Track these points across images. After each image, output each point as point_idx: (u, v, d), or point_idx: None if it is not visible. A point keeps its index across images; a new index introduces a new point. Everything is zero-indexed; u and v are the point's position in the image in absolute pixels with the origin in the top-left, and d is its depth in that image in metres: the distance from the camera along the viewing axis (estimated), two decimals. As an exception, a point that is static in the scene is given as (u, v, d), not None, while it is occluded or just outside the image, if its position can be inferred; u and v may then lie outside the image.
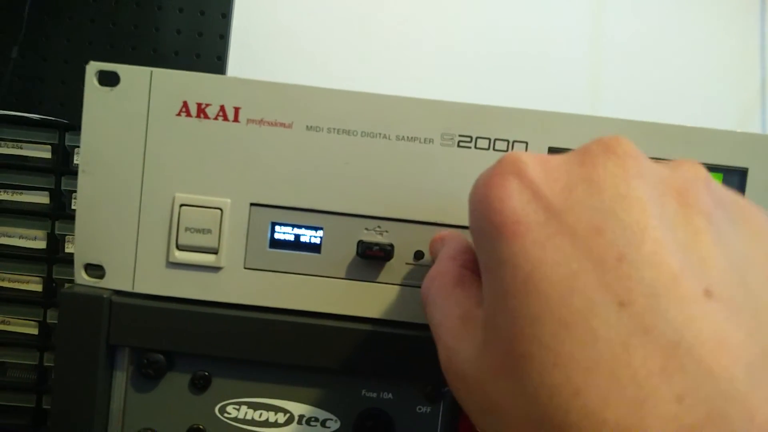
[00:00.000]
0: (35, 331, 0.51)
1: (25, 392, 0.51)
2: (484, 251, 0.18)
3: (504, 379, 0.16)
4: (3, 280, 0.52)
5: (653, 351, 0.13)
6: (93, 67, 0.28)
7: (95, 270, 0.29)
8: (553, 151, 0.28)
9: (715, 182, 0.17)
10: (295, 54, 0.71)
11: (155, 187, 0.28)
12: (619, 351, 0.13)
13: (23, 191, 0.52)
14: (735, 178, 0.29)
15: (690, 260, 0.15)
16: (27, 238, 0.52)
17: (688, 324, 0.13)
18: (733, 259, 0.15)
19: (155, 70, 0.28)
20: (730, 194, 0.18)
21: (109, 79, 0.28)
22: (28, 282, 0.52)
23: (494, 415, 0.16)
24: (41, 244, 0.52)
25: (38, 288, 0.52)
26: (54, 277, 0.51)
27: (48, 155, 0.52)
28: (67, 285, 0.29)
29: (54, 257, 0.51)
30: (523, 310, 0.15)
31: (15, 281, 0.52)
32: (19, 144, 0.52)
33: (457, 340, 0.18)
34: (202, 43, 0.68)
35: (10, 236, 0.52)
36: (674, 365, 0.13)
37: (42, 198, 0.52)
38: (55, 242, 0.51)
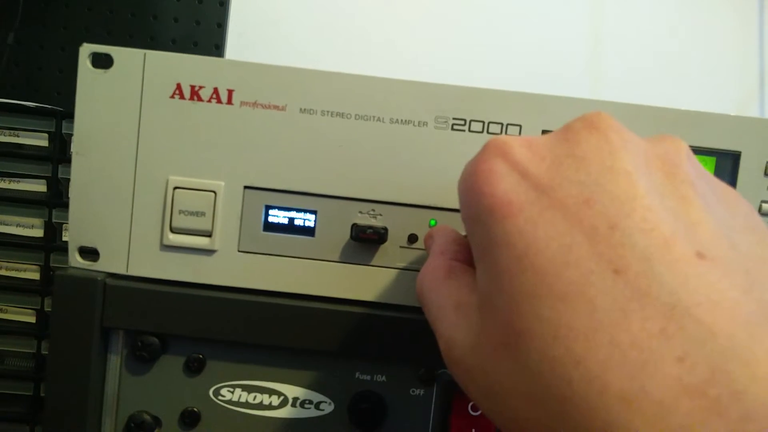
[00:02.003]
0: (33, 320, 0.52)
1: (22, 380, 0.51)
2: (477, 236, 0.18)
3: (505, 359, 0.16)
4: (0, 268, 0.52)
5: (651, 314, 0.13)
6: (86, 49, 0.28)
7: (89, 253, 0.29)
8: (546, 132, 0.28)
9: (693, 156, 0.18)
10: (293, 42, 0.70)
11: (149, 169, 0.28)
12: (617, 317, 0.14)
13: (20, 179, 0.52)
14: (728, 161, 0.29)
15: (680, 225, 0.15)
16: (24, 226, 0.52)
17: (683, 286, 0.13)
18: (720, 224, 0.15)
19: (149, 52, 0.28)
20: (704, 170, 0.18)
21: (102, 62, 0.28)
22: (25, 270, 0.52)
23: (497, 397, 0.16)
24: (38, 233, 0.52)
25: (35, 276, 0.52)
26: (51, 265, 0.51)
27: (45, 143, 0.52)
28: (61, 269, 0.29)
29: (51, 245, 0.51)
30: (520, 288, 0.15)
31: (12, 269, 0.52)
32: (16, 132, 0.52)
33: (453, 329, 0.18)
34: (199, 31, 0.67)
35: (7, 224, 0.52)
36: (673, 327, 0.13)
37: (39, 186, 0.52)
38: (53, 230, 0.52)
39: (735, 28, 0.74)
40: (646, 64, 0.73)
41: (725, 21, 0.74)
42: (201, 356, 0.29)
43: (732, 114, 0.29)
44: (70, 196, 0.28)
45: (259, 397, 0.29)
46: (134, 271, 0.29)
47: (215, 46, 0.67)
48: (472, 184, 0.18)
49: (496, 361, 0.16)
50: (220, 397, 0.29)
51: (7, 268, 0.52)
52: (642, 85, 0.72)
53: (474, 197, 0.18)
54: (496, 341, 0.16)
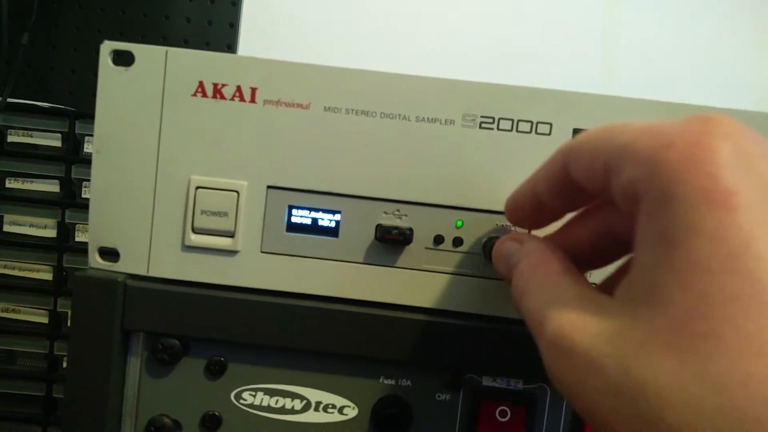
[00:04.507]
0: (45, 320, 0.51)
1: (35, 381, 0.50)
2: (664, 218, 0.16)
3: (667, 357, 0.14)
4: (13, 268, 0.52)
5: None
6: (107, 47, 0.27)
7: (109, 254, 0.28)
8: (577, 132, 0.27)
9: None
10: (306, 42, 0.70)
11: (170, 168, 0.28)
12: None
13: (33, 179, 0.52)
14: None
15: None
16: (37, 226, 0.52)
17: None
18: None
19: (170, 49, 0.27)
20: None
21: (123, 59, 0.27)
22: (38, 270, 0.52)
23: (633, 395, 0.15)
24: (51, 233, 0.52)
25: (48, 277, 0.51)
26: (64, 265, 0.51)
27: (58, 143, 0.52)
28: (80, 270, 0.29)
29: (64, 246, 0.51)
30: (720, 288, 0.14)
31: (25, 270, 0.52)
32: (30, 132, 0.52)
33: (578, 316, 0.17)
34: (212, 31, 0.67)
35: (20, 225, 0.52)
36: None
37: (52, 186, 0.52)
38: (66, 231, 0.51)
39: (753, 20, 0.73)
40: (661, 56, 0.72)
41: (743, 14, 0.73)
42: (222, 359, 0.28)
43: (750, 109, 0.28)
44: (90, 195, 0.28)
45: (282, 401, 0.28)
46: (155, 272, 0.28)
47: (227, 46, 0.67)
48: (689, 155, 0.15)
49: (649, 355, 0.15)
50: (241, 401, 0.28)
51: (20, 269, 0.52)
52: (657, 81, 0.72)
53: (686, 171, 0.15)
54: (659, 336, 0.15)
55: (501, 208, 0.28)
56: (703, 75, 0.73)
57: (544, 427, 0.28)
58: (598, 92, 0.28)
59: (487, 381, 0.29)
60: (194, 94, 0.27)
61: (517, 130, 0.27)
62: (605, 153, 0.18)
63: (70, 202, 0.51)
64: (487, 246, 0.27)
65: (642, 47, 0.72)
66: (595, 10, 0.72)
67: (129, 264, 0.28)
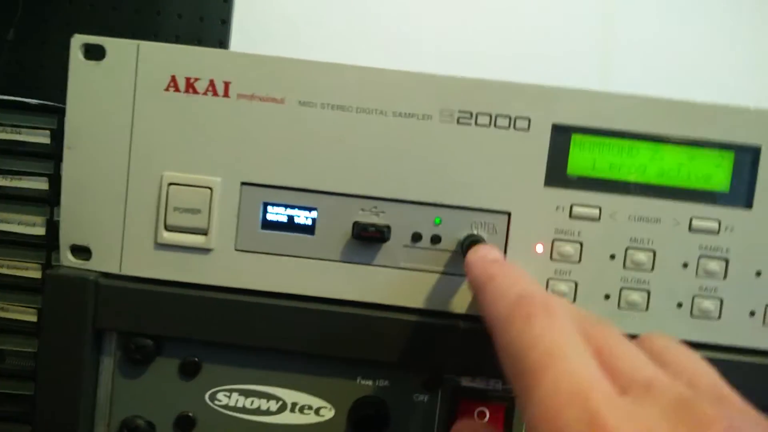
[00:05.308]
0: (34, 318, 0.51)
1: (23, 380, 0.50)
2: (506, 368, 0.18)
3: None
4: (2, 266, 0.51)
5: None
6: (78, 40, 0.27)
7: (81, 251, 0.28)
8: (557, 127, 0.27)
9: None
10: (298, 39, 0.69)
11: (143, 165, 0.27)
12: None
13: (22, 177, 0.51)
14: (747, 156, 0.27)
15: None
16: (26, 224, 0.52)
17: None
18: None
19: (142, 43, 0.27)
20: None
21: (94, 53, 0.27)
22: (27, 269, 0.51)
23: None
24: (40, 231, 0.51)
25: (37, 275, 0.51)
26: (53, 263, 0.50)
27: (47, 140, 0.51)
28: (52, 268, 0.28)
29: (53, 243, 0.50)
30: None
31: (14, 268, 0.51)
32: (18, 129, 0.51)
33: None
34: (203, 27, 0.66)
35: (8, 222, 0.51)
36: None
37: (41, 184, 0.51)
38: (54, 228, 0.51)
39: (752, 24, 0.72)
40: (658, 60, 0.71)
41: (741, 18, 0.72)
42: (196, 359, 0.28)
43: (751, 106, 0.27)
44: (62, 192, 0.27)
45: (257, 402, 0.28)
46: (128, 271, 0.28)
47: (219, 42, 0.67)
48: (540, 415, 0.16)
49: None
50: (216, 402, 0.28)
51: (8, 267, 0.51)
52: (654, 85, 0.71)
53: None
54: None
55: (479, 205, 0.27)
56: (700, 74, 0.72)
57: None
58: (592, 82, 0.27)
59: (465, 381, 0.28)
60: (167, 89, 0.27)
61: (495, 126, 0.27)
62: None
63: (59, 200, 0.50)
64: (464, 243, 0.27)
65: (639, 47, 0.71)
66: (592, 8, 0.71)
67: (101, 262, 0.28)
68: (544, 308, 0.18)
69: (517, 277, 0.21)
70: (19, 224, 0.52)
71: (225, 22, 0.67)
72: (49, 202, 0.50)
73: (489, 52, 0.71)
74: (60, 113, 0.50)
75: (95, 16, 0.65)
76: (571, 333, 0.18)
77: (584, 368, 0.17)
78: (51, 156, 0.50)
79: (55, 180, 0.50)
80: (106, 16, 0.65)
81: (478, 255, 0.25)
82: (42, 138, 0.51)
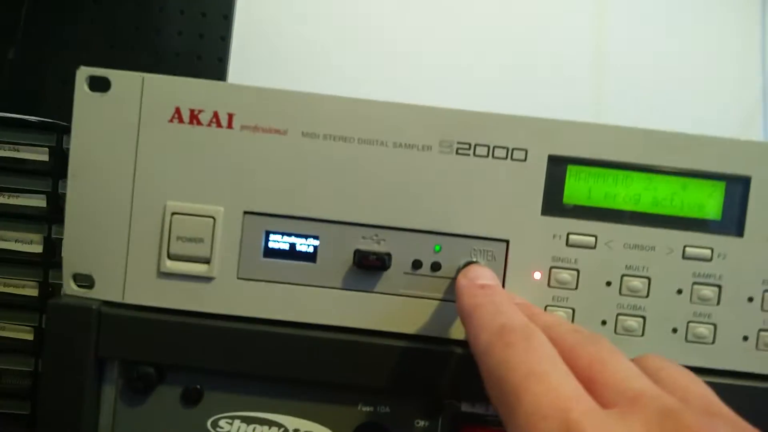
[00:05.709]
0: (30, 337, 0.51)
1: (19, 399, 0.50)
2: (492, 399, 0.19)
3: None
4: (-1, 284, 0.51)
5: None
6: (83, 73, 0.27)
7: (84, 280, 0.28)
8: (553, 159, 0.27)
9: None
10: (297, 56, 0.70)
11: (146, 194, 0.28)
12: None
13: (20, 194, 0.51)
14: (738, 186, 0.28)
15: None
16: (23, 242, 0.52)
17: None
18: None
19: (147, 75, 0.27)
20: None
21: (100, 85, 0.27)
22: (23, 287, 0.51)
23: None
24: (38, 248, 0.51)
25: (34, 293, 0.51)
26: (50, 281, 0.50)
27: (45, 158, 0.51)
28: (55, 297, 0.29)
29: (50, 261, 0.50)
30: None
31: (10, 286, 0.51)
32: (17, 147, 0.51)
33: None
34: (203, 44, 0.67)
35: (6, 240, 0.51)
36: None
37: (39, 201, 0.51)
38: (52, 246, 0.51)
39: (738, 42, 0.74)
40: (648, 78, 0.72)
41: (727, 37, 0.73)
42: (198, 387, 0.28)
43: (737, 133, 0.28)
44: (65, 220, 0.28)
45: (259, 429, 0.28)
46: (130, 299, 0.28)
47: (219, 59, 0.67)
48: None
49: None
50: (218, 429, 0.28)
51: (5, 285, 0.51)
52: (645, 101, 0.71)
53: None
54: None
55: (478, 233, 0.28)
56: (693, 100, 0.73)
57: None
58: (588, 118, 0.28)
59: (466, 407, 0.28)
60: (171, 120, 0.27)
61: (493, 156, 0.27)
62: None
63: (57, 218, 0.50)
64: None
65: (633, 73, 0.72)
66: (585, 34, 0.72)
67: (104, 291, 0.28)
68: (524, 337, 0.19)
69: (501, 306, 0.22)
70: (16, 242, 0.52)
71: (224, 39, 0.67)
72: (47, 219, 0.50)
73: (483, 78, 0.72)
74: (59, 131, 0.50)
75: (95, 33, 0.65)
76: (551, 355, 0.19)
77: (565, 385, 0.17)
78: (49, 174, 0.50)
79: (54, 198, 0.50)
80: (107, 35, 0.65)
81: (468, 278, 0.25)
82: (41, 155, 0.51)
